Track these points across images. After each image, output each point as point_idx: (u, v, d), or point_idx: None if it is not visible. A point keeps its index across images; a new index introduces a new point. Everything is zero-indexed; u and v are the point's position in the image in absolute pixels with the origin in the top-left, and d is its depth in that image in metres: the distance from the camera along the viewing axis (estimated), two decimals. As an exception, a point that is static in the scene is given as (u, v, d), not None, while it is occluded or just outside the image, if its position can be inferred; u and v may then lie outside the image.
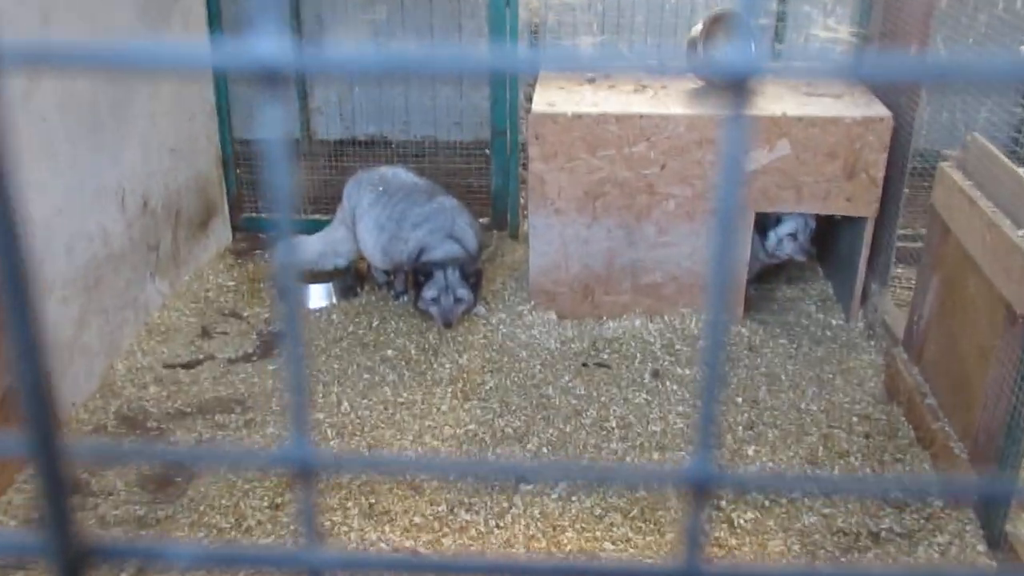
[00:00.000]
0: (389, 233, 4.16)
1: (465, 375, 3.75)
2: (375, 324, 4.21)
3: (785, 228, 4.13)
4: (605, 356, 3.91)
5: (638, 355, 3.89)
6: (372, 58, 0.46)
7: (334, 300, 4.35)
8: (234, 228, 5.05)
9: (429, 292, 3.94)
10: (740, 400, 3.59)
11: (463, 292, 3.96)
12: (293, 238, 0.52)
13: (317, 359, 3.79)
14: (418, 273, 3.96)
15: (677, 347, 3.95)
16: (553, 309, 4.21)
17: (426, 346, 4.00)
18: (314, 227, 4.61)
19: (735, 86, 0.45)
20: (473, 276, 3.99)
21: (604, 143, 3.89)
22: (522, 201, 4.88)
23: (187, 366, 3.89)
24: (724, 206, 0.48)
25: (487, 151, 5.08)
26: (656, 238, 4.07)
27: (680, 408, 3.51)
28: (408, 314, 4.24)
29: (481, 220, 4.76)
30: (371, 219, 4.21)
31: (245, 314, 4.33)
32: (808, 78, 0.47)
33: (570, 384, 3.70)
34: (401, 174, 4.37)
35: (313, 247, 4.40)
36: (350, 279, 4.48)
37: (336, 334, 4.12)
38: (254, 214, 5.09)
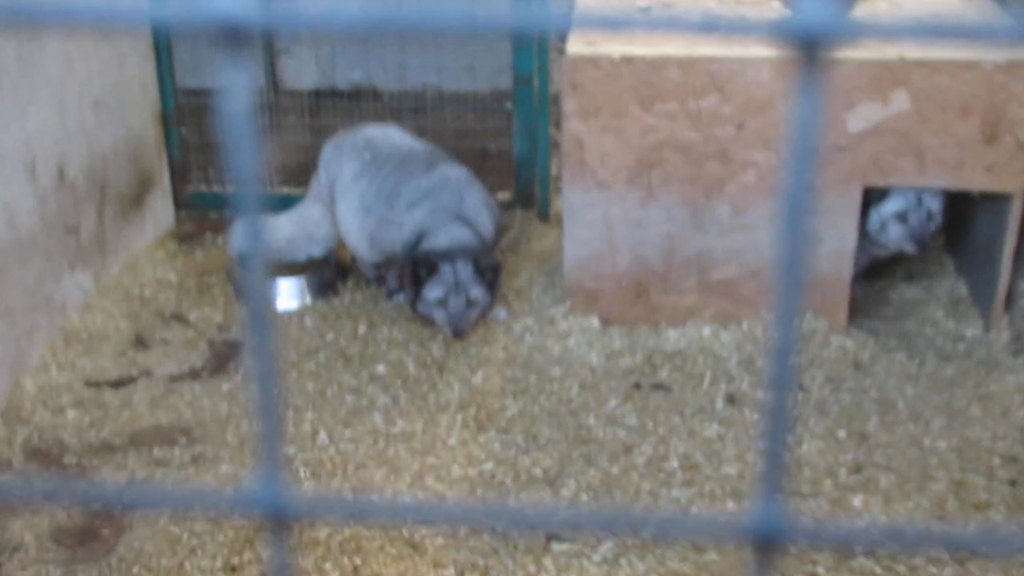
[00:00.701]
0: (377, 215, 4.23)
1: (480, 399, 3.81)
2: (361, 331, 4.28)
3: (890, 206, 4.12)
4: (664, 375, 3.97)
5: (707, 374, 3.92)
6: (358, 15, 0.49)
7: (308, 300, 4.44)
8: (177, 205, 5.10)
9: (433, 292, 4.01)
10: (843, 434, 3.59)
11: (477, 291, 4.03)
12: (258, 219, 0.56)
13: (286, 376, 3.85)
14: (418, 266, 4.03)
15: (759, 363, 3.97)
16: (595, 313, 4.26)
17: (429, 360, 4.06)
18: (281, 204, 4.65)
19: (806, 51, 0.47)
20: (490, 270, 4.07)
21: (662, 95, 3.94)
22: (554, 171, 4.93)
23: (116, 384, 3.95)
24: (793, 197, 0.51)
25: (508, 105, 5.09)
26: (731, 220, 4.11)
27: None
28: (405, 318, 4.30)
29: (499, 196, 4.79)
30: (354, 196, 4.27)
31: (192, 317, 4.38)
32: (921, 38, 0.48)
33: (618, 411, 3.74)
34: (394, 136, 4.42)
35: (281, 231, 4.48)
36: (328, 273, 4.55)
37: (311, 344, 4.18)
38: (204, 187, 5.15)
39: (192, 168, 5.15)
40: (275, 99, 5.59)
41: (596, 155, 4.09)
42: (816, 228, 3.72)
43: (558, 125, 4.48)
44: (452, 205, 4.16)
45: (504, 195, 5.02)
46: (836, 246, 3.99)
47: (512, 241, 4.85)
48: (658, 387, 3.89)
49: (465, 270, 4.02)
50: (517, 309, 4.37)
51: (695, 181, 4.08)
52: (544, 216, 5.07)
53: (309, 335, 4.26)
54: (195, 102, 5.00)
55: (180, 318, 4.39)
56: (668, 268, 4.21)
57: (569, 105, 4.01)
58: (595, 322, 4.25)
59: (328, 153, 4.44)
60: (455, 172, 4.29)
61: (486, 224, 4.21)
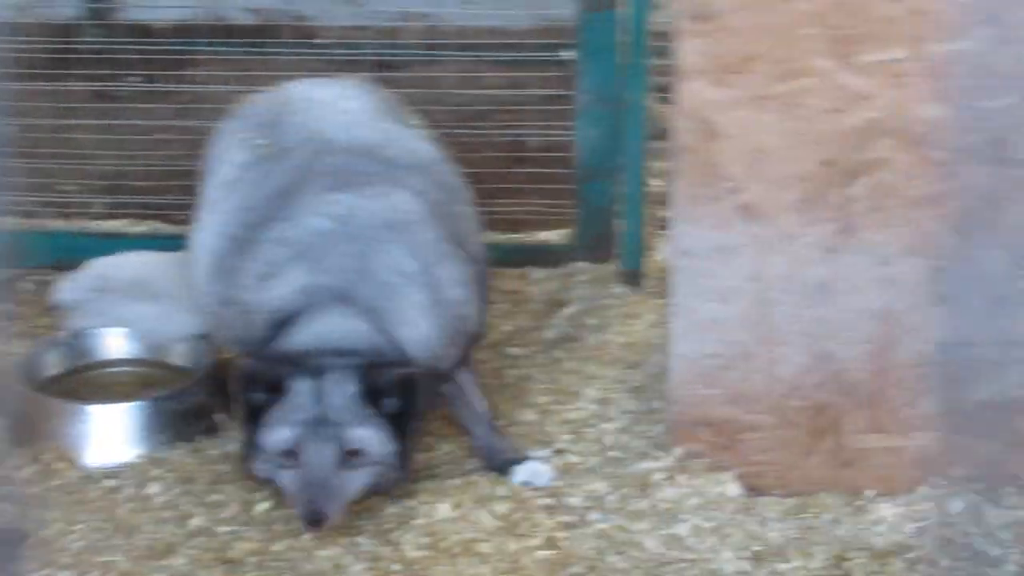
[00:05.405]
0: (226, 275, 3.49)
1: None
2: (261, 508, 3.32)
3: None
4: (876, 606, 3.52)
5: (957, 597, 3.28)
6: None
7: (157, 444, 3.50)
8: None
9: (275, 433, 3.17)
10: None
11: (363, 434, 3.19)
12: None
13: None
14: (249, 384, 3.23)
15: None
16: (732, 470, 3.53)
17: (401, 568, 3.15)
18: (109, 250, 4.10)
19: None
20: (396, 391, 3.23)
21: (877, 34, 3.29)
22: (655, 186, 4.27)
23: None
24: None
25: (566, 54, 4.35)
26: (1011, 282, 3.41)
27: None
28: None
29: (542, 236, 4.28)
30: (212, 222, 3.58)
31: None
32: None
33: None
34: (341, 104, 3.64)
35: (126, 271, 3.92)
36: (199, 389, 3.67)
37: (160, 536, 3.25)
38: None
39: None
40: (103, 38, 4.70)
41: (742, 153, 3.34)
42: None
43: (665, 93, 3.91)
44: (341, 276, 3.33)
45: (552, 234, 4.28)
46: None
47: (569, 324, 4.04)
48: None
49: (340, 390, 3.20)
50: (573, 463, 3.52)
51: (942, 204, 3.44)
52: (632, 276, 4.22)
53: (157, 517, 3.30)
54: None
55: None
56: (882, 379, 3.46)
57: (689, 53, 3.29)
58: (732, 489, 3.48)
59: (222, 134, 3.81)
60: (373, 201, 3.40)
61: (417, 322, 3.33)
